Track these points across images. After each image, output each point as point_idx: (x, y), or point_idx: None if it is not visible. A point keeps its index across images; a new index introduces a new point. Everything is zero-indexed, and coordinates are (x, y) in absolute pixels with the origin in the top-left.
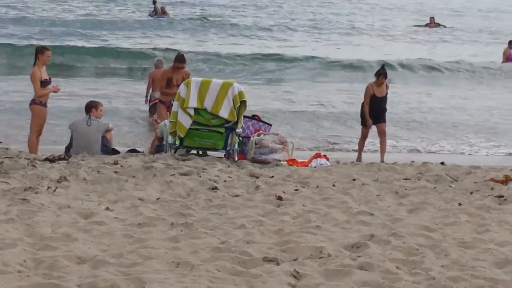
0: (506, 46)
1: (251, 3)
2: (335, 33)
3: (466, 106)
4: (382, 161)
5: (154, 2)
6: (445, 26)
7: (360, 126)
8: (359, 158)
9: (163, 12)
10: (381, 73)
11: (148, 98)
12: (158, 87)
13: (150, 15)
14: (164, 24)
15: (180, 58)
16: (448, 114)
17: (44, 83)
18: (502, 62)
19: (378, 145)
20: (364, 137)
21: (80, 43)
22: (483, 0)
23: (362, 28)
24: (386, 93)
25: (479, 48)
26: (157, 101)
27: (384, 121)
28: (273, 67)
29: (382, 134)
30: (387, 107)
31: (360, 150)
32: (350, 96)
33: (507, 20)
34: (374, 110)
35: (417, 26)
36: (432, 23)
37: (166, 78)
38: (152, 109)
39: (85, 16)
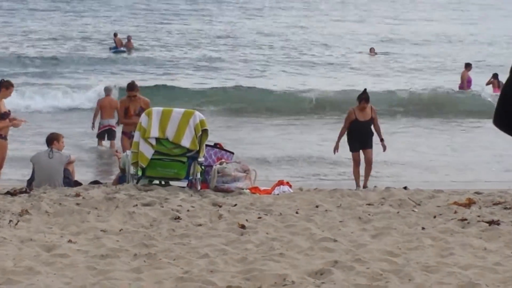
0: (463, 69)
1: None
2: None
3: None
4: (364, 186)
5: (115, 35)
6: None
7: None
8: (358, 186)
9: (126, 45)
10: (362, 97)
11: (95, 125)
12: (108, 115)
13: (111, 48)
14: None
15: (129, 86)
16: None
17: (3, 116)
18: (460, 86)
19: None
20: (356, 163)
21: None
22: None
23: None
24: (372, 117)
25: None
26: (105, 128)
27: (371, 147)
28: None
29: (368, 162)
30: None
31: (356, 178)
32: None
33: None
34: (359, 135)
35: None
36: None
37: (123, 108)
38: (100, 137)
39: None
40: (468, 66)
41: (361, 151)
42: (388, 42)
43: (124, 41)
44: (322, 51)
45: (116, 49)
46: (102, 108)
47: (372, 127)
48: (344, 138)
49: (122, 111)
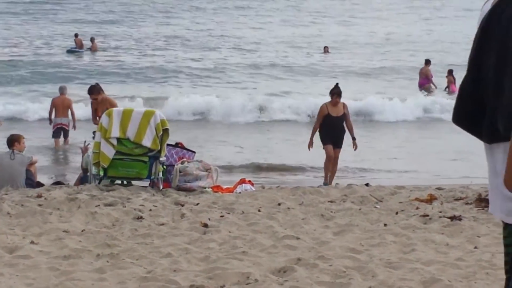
0: (423, 65)
1: None
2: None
3: None
4: (329, 183)
5: (76, 35)
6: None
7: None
8: (326, 180)
9: (90, 47)
10: (334, 92)
11: (52, 122)
12: (61, 114)
13: (68, 51)
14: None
15: (89, 90)
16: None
17: None
18: (420, 82)
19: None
20: (329, 157)
21: None
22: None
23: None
24: (344, 113)
25: None
26: (58, 126)
27: (340, 147)
28: None
29: (334, 160)
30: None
31: (327, 172)
32: None
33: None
34: (331, 131)
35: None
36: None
37: (93, 110)
38: (56, 136)
39: None
40: (428, 62)
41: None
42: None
43: (86, 42)
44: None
45: (73, 50)
46: (55, 106)
47: (344, 123)
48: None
49: (93, 113)
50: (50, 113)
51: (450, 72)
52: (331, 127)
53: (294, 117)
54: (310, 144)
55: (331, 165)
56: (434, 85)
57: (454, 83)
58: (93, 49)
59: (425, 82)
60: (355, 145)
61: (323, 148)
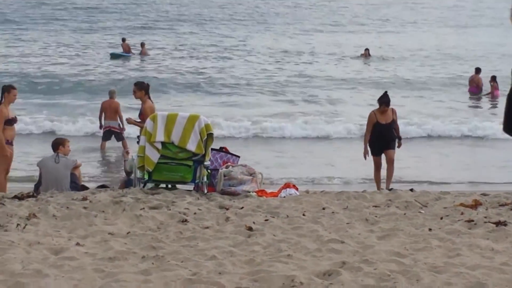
0: (473, 73)
1: None
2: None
3: None
4: (387, 188)
5: (123, 40)
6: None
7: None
8: (378, 190)
9: (141, 52)
10: (383, 101)
11: (102, 125)
12: (109, 117)
13: (112, 54)
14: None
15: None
16: None
17: (11, 122)
18: (470, 89)
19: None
20: (377, 167)
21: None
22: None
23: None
24: (393, 120)
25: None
26: (107, 128)
27: (393, 148)
28: None
29: (389, 162)
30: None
31: (377, 182)
32: None
33: None
34: (381, 138)
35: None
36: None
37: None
38: (104, 138)
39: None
40: (478, 70)
41: (383, 154)
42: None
43: (132, 47)
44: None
45: (118, 54)
46: (104, 110)
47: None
48: None
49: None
50: (100, 117)
51: (494, 78)
52: (380, 134)
53: None
54: (366, 153)
55: (379, 174)
56: (487, 95)
57: (497, 88)
58: (142, 54)
59: (475, 90)
60: (399, 144)
61: (373, 158)
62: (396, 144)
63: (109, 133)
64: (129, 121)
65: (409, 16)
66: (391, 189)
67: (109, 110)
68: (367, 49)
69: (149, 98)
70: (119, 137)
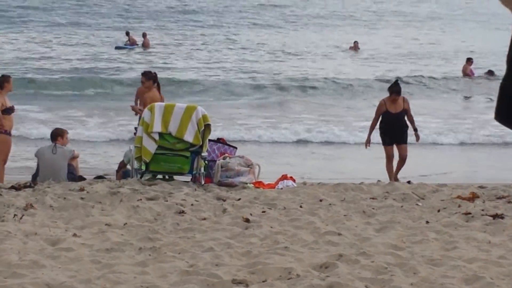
0: (464, 63)
1: None
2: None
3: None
4: (395, 179)
5: (127, 34)
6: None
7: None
8: (391, 178)
9: (143, 43)
10: (394, 90)
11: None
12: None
13: (117, 47)
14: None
15: (143, 72)
16: None
17: (8, 111)
18: (463, 77)
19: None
20: (389, 158)
21: None
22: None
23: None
24: (404, 109)
25: None
26: None
27: (405, 142)
28: None
29: (402, 159)
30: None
31: (390, 173)
32: None
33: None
34: (391, 128)
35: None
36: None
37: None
38: None
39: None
40: (468, 60)
41: (394, 146)
42: None
43: (139, 39)
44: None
45: (122, 46)
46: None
47: (406, 118)
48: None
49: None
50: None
51: (491, 72)
52: (390, 124)
53: None
54: (368, 142)
55: (392, 166)
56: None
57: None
58: (145, 45)
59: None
60: (417, 137)
61: (384, 148)
62: (415, 138)
63: None
64: (134, 109)
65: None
66: (396, 179)
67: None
68: (356, 42)
69: (158, 88)
70: None
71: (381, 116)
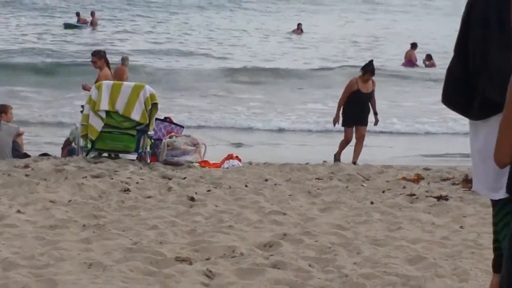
0: (409, 48)
1: None
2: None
3: None
4: (354, 162)
5: (78, 14)
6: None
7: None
8: (338, 155)
9: (91, 22)
10: (368, 69)
11: None
12: None
13: (65, 24)
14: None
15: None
16: None
17: None
18: (403, 64)
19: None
20: (347, 141)
21: None
22: None
23: None
24: (373, 90)
25: None
26: None
27: (366, 124)
28: None
29: (360, 138)
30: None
31: (341, 148)
32: None
33: None
34: (357, 108)
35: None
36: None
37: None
38: None
39: None
40: (413, 46)
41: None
42: None
43: (88, 18)
44: None
45: (72, 24)
46: (116, 77)
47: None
48: None
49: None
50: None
51: (429, 57)
52: (357, 103)
53: None
54: (337, 119)
55: (346, 145)
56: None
57: (434, 65)
58: (93, 24)
59: (408, 65)
60: (377, 120)
61: (344, 129)
62: (375, 121)
63: None
64: (85, 87)
65: None
66: (355, 162)
67: (120, 77)
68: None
69: (108, 66)
70: None
71: (350, 95)
